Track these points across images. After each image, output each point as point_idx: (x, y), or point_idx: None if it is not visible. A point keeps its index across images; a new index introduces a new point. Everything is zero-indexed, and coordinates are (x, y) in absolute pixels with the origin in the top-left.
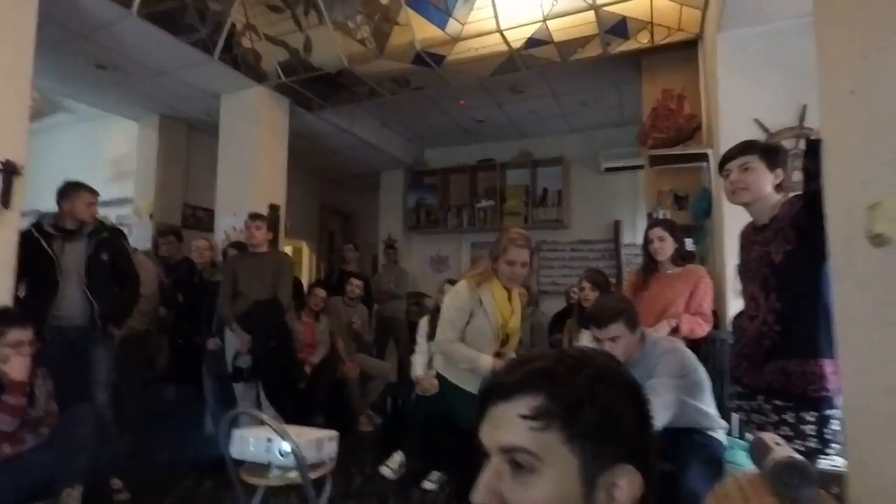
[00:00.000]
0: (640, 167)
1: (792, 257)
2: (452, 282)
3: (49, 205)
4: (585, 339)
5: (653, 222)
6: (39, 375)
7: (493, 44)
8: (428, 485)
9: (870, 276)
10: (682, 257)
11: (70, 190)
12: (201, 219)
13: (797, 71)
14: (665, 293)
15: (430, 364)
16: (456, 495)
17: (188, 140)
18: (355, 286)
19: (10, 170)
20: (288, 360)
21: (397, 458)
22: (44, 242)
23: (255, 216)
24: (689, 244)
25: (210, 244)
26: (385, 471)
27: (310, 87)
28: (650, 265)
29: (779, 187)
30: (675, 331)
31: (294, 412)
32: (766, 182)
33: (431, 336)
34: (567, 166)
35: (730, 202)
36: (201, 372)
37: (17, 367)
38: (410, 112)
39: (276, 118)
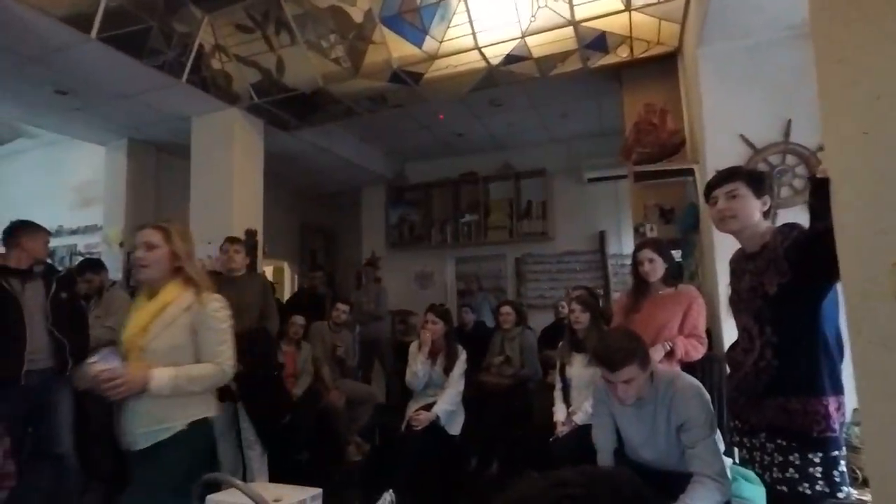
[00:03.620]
0: (623, 177)
1: (787, 290)
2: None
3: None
4: (579, 364)
5: (641, 243)
6: None
7: (471, 61)
8: None
9: (894, 336)
10: (674, 277)
11: (30, 229)
12: None
13: (780, 85)
14: (658, 315)
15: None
16: None
17: (158, 164)
18: (341, 311)
19: None
20: (275, 392)
21: (387, 498)
22: (5, 283)
23: (232, 240)
24: (676, 256)
25: None
26: None
27: (284, 107)
28: (641, 287)
29: (766, 214)
30: (669, 354)
31: (279, 447)
32: (753, 209)
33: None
34: (550, 178)
35: (718, 230)
36: None
37: None
38: (389, 128)
39: (250, 140)
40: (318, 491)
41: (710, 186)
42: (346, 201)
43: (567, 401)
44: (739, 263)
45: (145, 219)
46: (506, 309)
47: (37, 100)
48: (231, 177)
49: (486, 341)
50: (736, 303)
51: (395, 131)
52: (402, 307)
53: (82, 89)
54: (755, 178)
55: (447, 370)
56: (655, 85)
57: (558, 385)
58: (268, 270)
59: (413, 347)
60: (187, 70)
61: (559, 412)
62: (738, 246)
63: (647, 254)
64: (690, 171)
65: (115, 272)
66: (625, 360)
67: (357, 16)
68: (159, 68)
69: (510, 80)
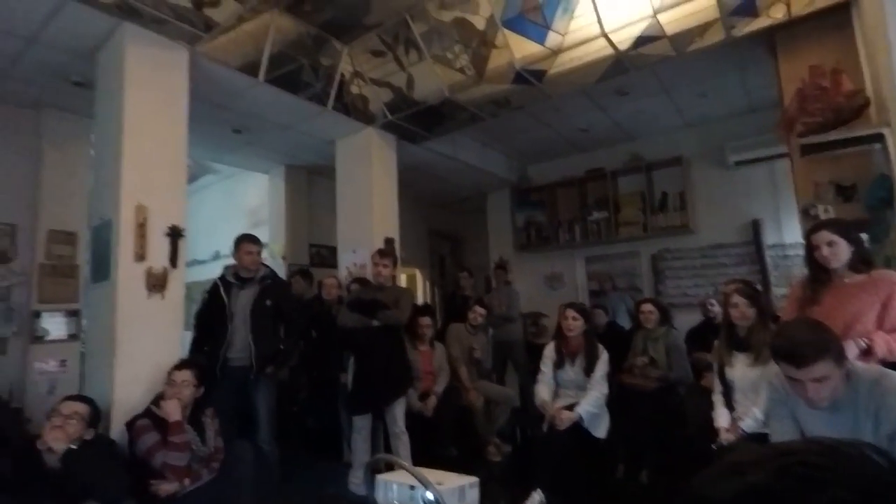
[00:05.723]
0: (781, 155)
1: None
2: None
3: (202, 255)
4: (742, 365)
5: (816, 225)
6: (207, 414)
7: (597, 49)
8: None
9: None
10: (863, 262)
11: (236, 242)
12: (325, 257)
13: None
14: (846, 307)
15: (556, 394)
16: None
17: (309, 185)
18: (478, 314)
19: (176, 234)
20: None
21: (536, 497)
22: (222, 290)
23: (382, 253)
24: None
25: (338, 282)
26: None
27: (414, 121)
28: (820, 275)
29: None
30: (866, 353)
31: (424, 444)
32: None
33: (559, 364)
34: (687, 166)
35: None
36: (338, 404)
37: (171, 410)
38: (511, 130)
39: (385, 155)
40: (476, 479)
41: None
42: (472, 207)
43: (730, 405)
44: None
45: (303, 235)
46: (648, 307)
47: (219, 139)
48: (370, 191)
49: (621, 342)
50: None
51: (518, 133)
52: (532, 309)
53: (252, 126)
54: None
55: (587, 371)
56: (821, 44)
57: (717, 388)
58: (401, 279)
59: (547, 350)
60: (332, 98)
61: (721, 418)
62: None
63: (825, 236)
64: (878, 137)
65: None
66: (816, 355)
67: (479, 23)
68: (310, 99)
69: (641, 63)
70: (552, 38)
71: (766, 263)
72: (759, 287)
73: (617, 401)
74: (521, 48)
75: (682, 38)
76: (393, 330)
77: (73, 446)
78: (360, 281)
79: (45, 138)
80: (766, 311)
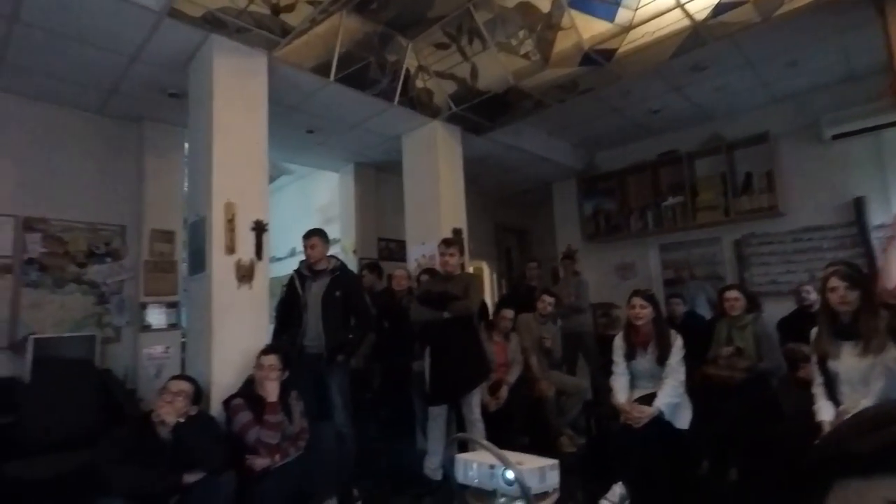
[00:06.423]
0: (888, 126)
1: None
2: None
3: (279, 252)
4: (848, 355)
5: None
6: (293, 396)
7: (671, 21)
8: None
9: None
10: None
11: (303, 237)
12: (394, 250)
13: None
14: None
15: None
16: None
17: (377, 181)
18: (547, 303)
19: (260, 228)
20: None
21: (618, 490)
22: (297, 282)
23: (448, 242)
24: None
25: (407, 273)
26: None
27: (478, 111)
28: None
29: None
30: None
31: (496, 433)
32: None
33: (631, 355)
34: (774, 142)
35: None
36: (410, 392)
37: (270, 390)
38: (577, 117)
39: (450, 147)
40: (556, 461)
41: None
42: (537, 198)
43: (833, 398)
44: None
45: (372, 230)
46: (732, 294)
47: (294, 141)
48: (437, 183)
49: (702, 333)
50: None
51: (584, 120)
52: (603, 300)
53: (324, 126)
54: None
55: (660, 359)
56: None
57: (818, 380)
58: (470, 272)
59: (617, 340)
60: (398, 93)
61: (824, 411)
62: None
63: None
64: None
65: None
66: None
67: (544, 6)
68: (377, 96)
69: (721, 34)
70: (622, 14)
71: (871, 246)
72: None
73: (700, 394)
74: (589, 28)
75: (769, 2)
76: (465, 320)
77: (182, 420)
78: (429, 271)
79: (147, 148)
80: (872, 295)
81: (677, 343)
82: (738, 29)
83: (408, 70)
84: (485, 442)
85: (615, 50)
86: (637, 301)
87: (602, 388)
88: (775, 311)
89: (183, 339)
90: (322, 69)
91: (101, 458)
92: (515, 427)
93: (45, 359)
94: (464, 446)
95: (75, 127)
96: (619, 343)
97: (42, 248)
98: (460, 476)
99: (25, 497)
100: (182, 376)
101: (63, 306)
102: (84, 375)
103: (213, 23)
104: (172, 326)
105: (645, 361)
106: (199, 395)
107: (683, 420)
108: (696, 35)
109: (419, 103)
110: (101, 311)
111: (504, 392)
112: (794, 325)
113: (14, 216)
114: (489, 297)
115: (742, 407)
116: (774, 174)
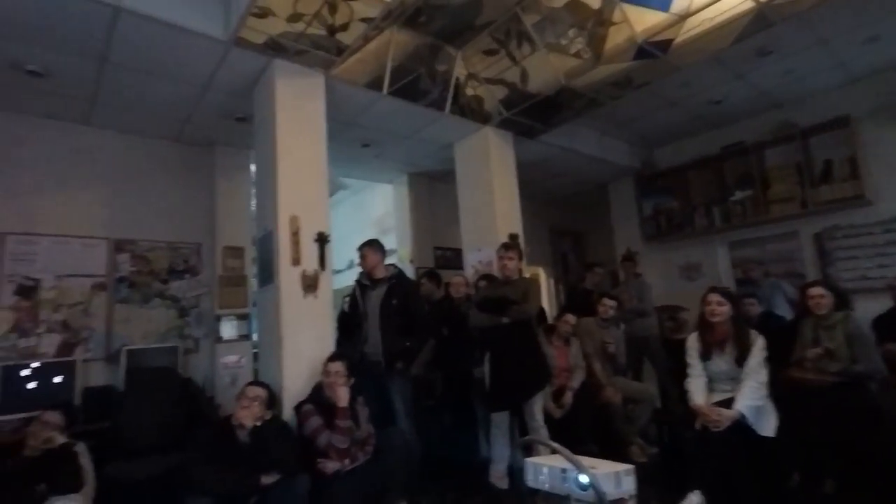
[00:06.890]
0: None
1: None
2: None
3: (339, 265)
4: None
5: None
6: (360, 402)
7: (733, 4)
8: None
9: None
10: None
11: (358, 249)
12: (450, 258)
13: None
14: None
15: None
16: None
17: (430, 191)
18: (608, 307)
19: (322, 239)
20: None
21: (694, 499)
22: (357, 292)
23: (507, 246)
24: None
25: (465, 280)
26: None
27: (529, 115)
28: None
29: None
30: None
31: (560, 440)
32: None
33: (706, 355)
34: (856, 126)
35: None
36: (472, 398)
37: (341, 395)
38: (632, 114)
39: (503, 153)
40: (632, 466)
41: None
42: (592, 200)
43: None
44: None
45: (427, 239)
46: (817, 290)
47: (350, 154)
48: (491, 189)
49: (782, 334)
50: None
51: (639, 116)
52: (668, 303)
53: (378, 138)
54: None
55: (739, 360)
56: None
57: None
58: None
59: (690, 340)
60: (448, 102)
61: None
62: None
63: None
64: None
65: None
66: None
67: (594, 2)
68: (428, 106)
69: (789, 12)
70: (677, 3)
71: None
72: None
73: (785, 399)
74: (642, 20)
75: None
76: (525, 325)
77: (258, 423)
78: (487, 277)
79: (218, 171)
80: None
81: (758, 343)
82: (810, 6)
83: (458, 79)
84: (557, 445)
85: (672, 40)
86: (714, 297)
87: (671, 394)
88: (868, 309)
89: (254, 350)
90: (375, 84)
91: (190, 461)
92: (582, 435)
93: (136, 368)
94: (530, 450)
95: (156, 155)
96: (693, 343)
97: (131, 266)
98: (530, 480)
99: (125, 498)
100: (257, 382)
101: (150, 320)
102: (170, 383)
103: (274, 48)
104: (243, 337)
105: (722, 362)
106: (273, 400)
107: (768, 426)
108: (762, 17)
109: (470, 111)
110: (181, 323)
111: (568, 398)
112: (893, 324)
113: (107, 239)
114: (547, 303)
115: (835, 413)
116: (859, 160)
